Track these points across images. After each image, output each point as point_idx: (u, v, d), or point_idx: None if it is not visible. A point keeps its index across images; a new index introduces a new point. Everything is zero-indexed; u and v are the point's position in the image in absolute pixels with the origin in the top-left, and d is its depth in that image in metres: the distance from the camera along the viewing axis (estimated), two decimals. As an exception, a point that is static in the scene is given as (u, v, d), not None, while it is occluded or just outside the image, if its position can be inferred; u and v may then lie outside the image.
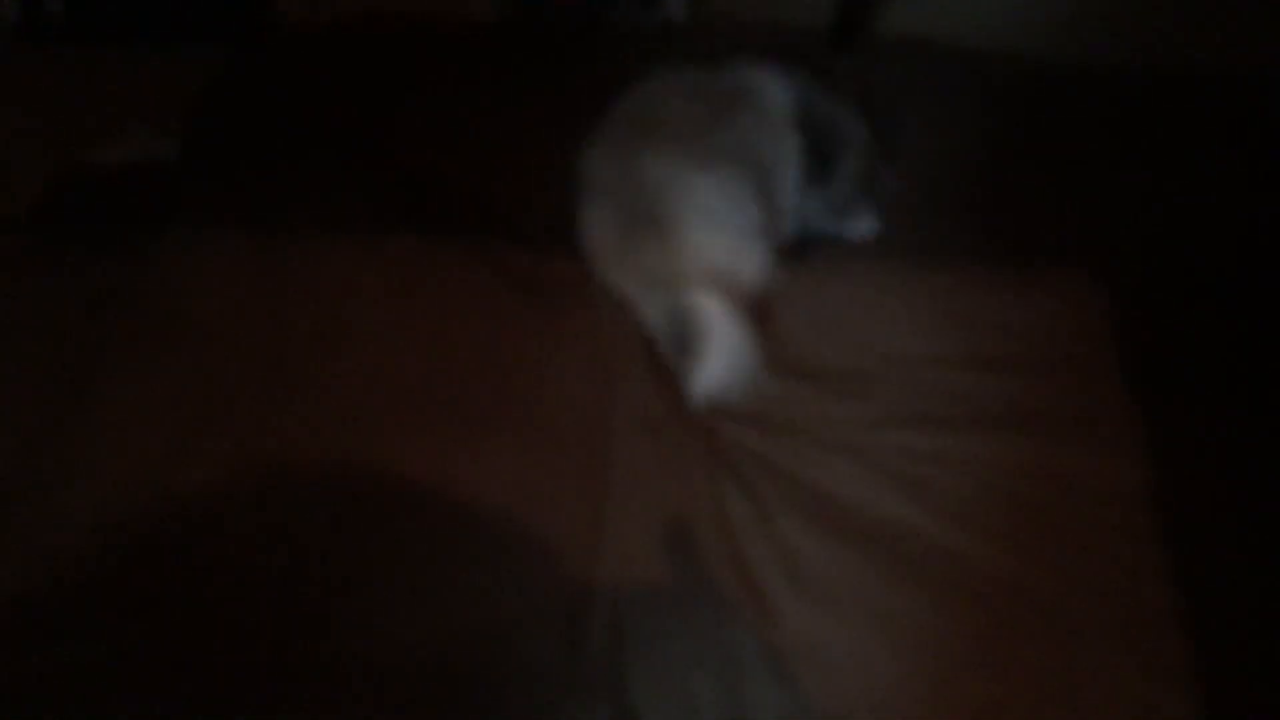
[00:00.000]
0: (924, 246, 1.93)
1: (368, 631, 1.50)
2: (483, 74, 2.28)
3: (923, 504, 1.59)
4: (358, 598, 1.53)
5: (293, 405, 1.73)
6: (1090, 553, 1.54)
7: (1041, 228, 1.98)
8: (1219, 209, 2.00)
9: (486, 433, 1.69)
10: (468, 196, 2.04)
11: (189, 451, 1.67)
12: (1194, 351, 1.77)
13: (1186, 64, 2.26)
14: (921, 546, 1.55)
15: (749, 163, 1.76)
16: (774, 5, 2.38)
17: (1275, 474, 1.62)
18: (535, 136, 2.14)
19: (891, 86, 2.19)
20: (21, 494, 1.62)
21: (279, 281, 1.89)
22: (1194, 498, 1.59)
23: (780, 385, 1.74)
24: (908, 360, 1.77)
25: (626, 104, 1.87)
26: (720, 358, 1.69)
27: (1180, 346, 1.77)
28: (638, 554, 1.56)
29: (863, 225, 1.95)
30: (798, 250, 1.89)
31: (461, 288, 1.88)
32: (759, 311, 1.80)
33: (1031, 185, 2.05)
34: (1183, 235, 1.95)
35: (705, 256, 1.71)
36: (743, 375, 1.72)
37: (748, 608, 1.50)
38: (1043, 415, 1.70)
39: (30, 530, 1.59)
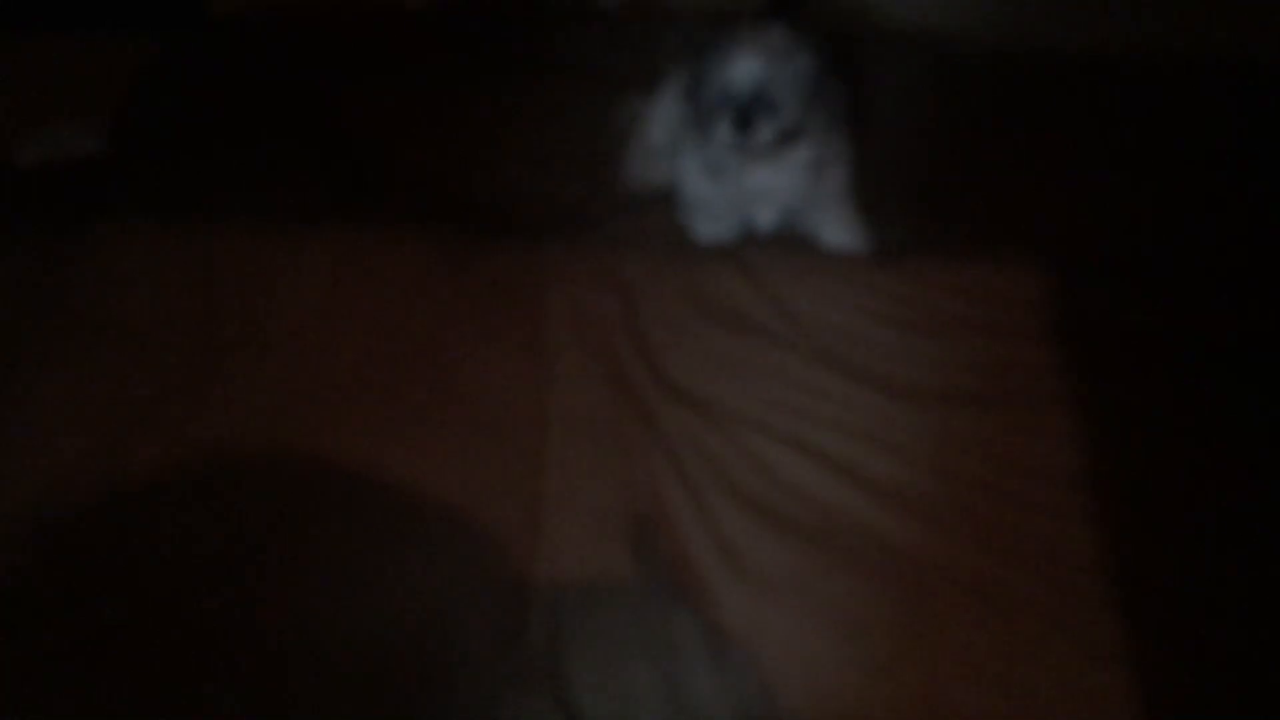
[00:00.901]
0: (867, 225, 1.92)
1: (304, 623, 1.49)
2: (417, 62, 2.26)
3: (860, 488, 1.59)
4: (293, 589, 1.52)
5: (224, 400, 1.71)
6: (1025, 534, 1.54)
7: (988, 211, 1.98)
8: (1176, 195, 2.01)
9: (423, 425, 1.68)
10: (404, 186, 2.03)
11: (119, 448, 1.65)
12: (1136, 335, 1.78)
13: (1145, 51, 2.27)
14: (859, 531, 1.55)
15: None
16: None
17: (1211, 458, 1.63)
18: (472, 123, 2.13)
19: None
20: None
21: (209, 275, 1.86)
22: (1130, 479, 1.60)
23: (717, 370, 1.74)
24: (845, 339, 1.78)
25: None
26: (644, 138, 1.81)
27: (1124, 334, 1.78)
28: (576, 546, 1.56)
29: (844, 236, 1.91)
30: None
31: (398, 278, 1.87)
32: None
33: (984, 168, 2.05)
34: (1132, 220, 1.96)
35: None
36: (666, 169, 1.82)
37: (687, 597, 1.50)
38: (979, 394, 1.70)
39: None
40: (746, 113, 1.66)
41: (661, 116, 1.92)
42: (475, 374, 1.74)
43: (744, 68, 1.66)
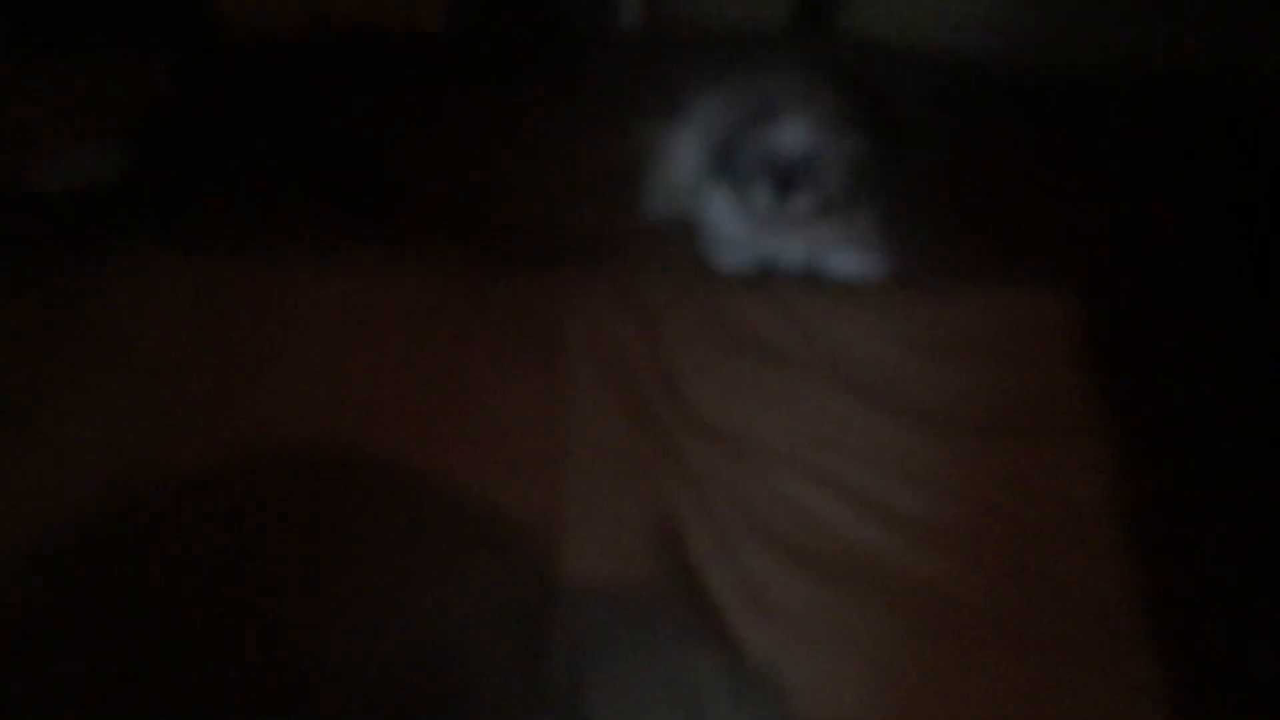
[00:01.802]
0: (882, 251, 1.90)
1: (325, 648, 1.48)
2: (433, 84, 2.25)
3: (885, 521, 1.57)
4: (313, 614, 1.51)
5: (238, 428, 1.69)
6: (1054, 567, 1.52)
7: (1011, 234, 1.95)
8: (1204, 216, 1.98)
9: (441, 452, 1.66)
10: (422, 211, 2.01)
11: (134, 476, 1.64)
12: (1165, 359, 1.75)
13: (1157, 67, 2.25)
14: (884, 566, 1.53)
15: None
16: (728, 7, 2.36)
17: (1245, 486, 1.60)
18: (491, 147, 2.12)
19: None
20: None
21: (223, 302, 1.85)
22: (1160, 509, 1.57)
23: (739, 400, 1.72)
24: (869, 366, 1.76)
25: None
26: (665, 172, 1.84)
27: (1150, 358, 1.76)
28: (596, 579, 1.54)
29: (854, 264, 1.89)
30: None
31: (415, 304, 1.85)
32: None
33: (1006, 191, 2.03)
34: (1157, 245, 1.93)
35: None
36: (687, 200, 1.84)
37: (709, 632, 1.48)
38: (1006, 423, 1.68)
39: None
40: (788, 179, 1.64)
41: (684, 152, 1.91)
42: (493, 402, 1.72)
43: (792, 135, 1.65)
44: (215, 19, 2.40)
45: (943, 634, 1.47)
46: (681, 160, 1.92)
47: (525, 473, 1.64)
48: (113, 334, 1.81)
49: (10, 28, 2.38)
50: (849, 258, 1.88)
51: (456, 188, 2.05)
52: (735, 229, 1.83)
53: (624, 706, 1.43)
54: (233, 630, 1.49)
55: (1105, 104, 2.17)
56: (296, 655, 1.47)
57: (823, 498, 1.60)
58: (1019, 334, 1.80)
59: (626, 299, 1.84)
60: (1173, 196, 2.00)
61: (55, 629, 1.50)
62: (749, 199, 1.69)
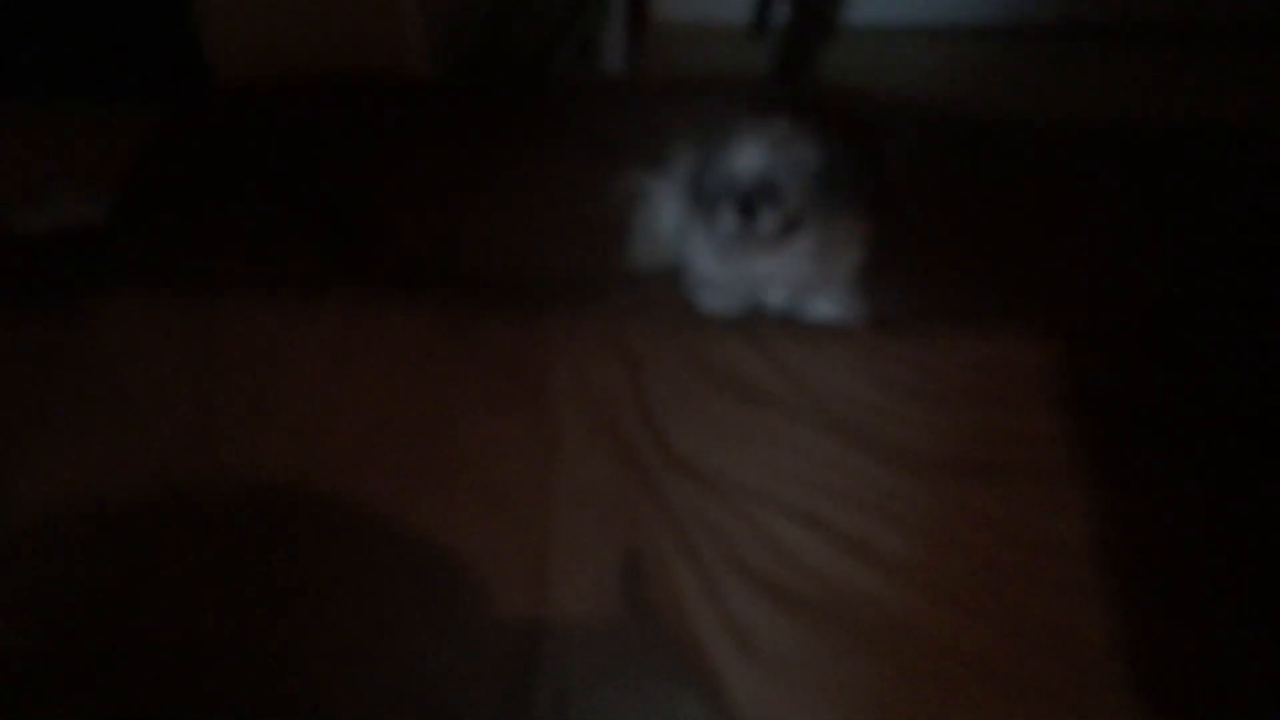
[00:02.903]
0: (873, 294, 1.92)
1: (314, 687, 1.47)
2: (419, 130, 2.27)
3: (870, 563, 1.57)
4: (300, 657, 1.50)
5: (224, 471, 1.69)
6: (1039, 612, 1.52)
7: (993, 279, 1.98)
8: (1185, 263, 2.00)
9: (427, 495, 1.66)
10: (408, 255, 2.03)
11: (118, 520, 1.63)
12: (1146, 405, 1.76)
13: (1152, 117, 2.29)
14: (869, 608, 1.52)
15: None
16: (709, 56, 2.40)
17: (1229, 532, 1.61)
18: (478, 192, 2.13)
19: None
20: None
21: (210, 344, 1.85)
22: (1145, 555, 1.58)
23: (722, 441, 1.72)
24: (855, 408, 1.76)
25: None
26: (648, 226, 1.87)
27: (1130, 403, 1.77)
28: (581, 620, 1.53)
29: (832, 307, 1.91)
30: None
31: (401, 348, 1.85)
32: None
33: (989, 236, 2.05)
34: (1141, 288, 1.96)
35: None
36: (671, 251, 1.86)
37: (694, 675, 1.47)
38: (990, 466, 1.69)
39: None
40: (750, 201, 1.67)
41: (666, 203, 1.93)
42: (479, 445, 1.72)
43: (748, 157, 1.67)
44: (203, 65, 2.42)
45: (927, 678, 1.47)
46: (664, 211, 1.94)
47: (510, 514, 1.64)
48: (97, 376, 1.81)
49: (1, 73, 2.40)
50: (830, 301, 1.89)
51: (442, 232, 2.06)
52: (717, 270, 1.84)
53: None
54: (216, 672, 1.48)
55: (1088, 150, 2.21)
56: (280, 698, 1.46)
57: (806, 538, 1.60)
58: (1000, 378, 1.81)
59: (611, 343, 1.85)
60: (1154, 242, 2.02)
61: (40, 674, 1.49)
62: (718, 226, 1.71)
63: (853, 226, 1.82)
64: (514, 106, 2.32)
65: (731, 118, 1.72)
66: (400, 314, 1.89)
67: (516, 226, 2.06)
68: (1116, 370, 1.82)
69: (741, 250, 1.77)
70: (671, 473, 1.68)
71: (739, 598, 1.54)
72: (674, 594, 1.55)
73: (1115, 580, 1.54)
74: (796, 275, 1.82)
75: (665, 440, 1.72)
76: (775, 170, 1.67)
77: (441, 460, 1.71)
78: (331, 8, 2.43)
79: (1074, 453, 1.70)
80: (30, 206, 2.06)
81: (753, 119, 1.72)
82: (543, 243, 2.04)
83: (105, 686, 1.47)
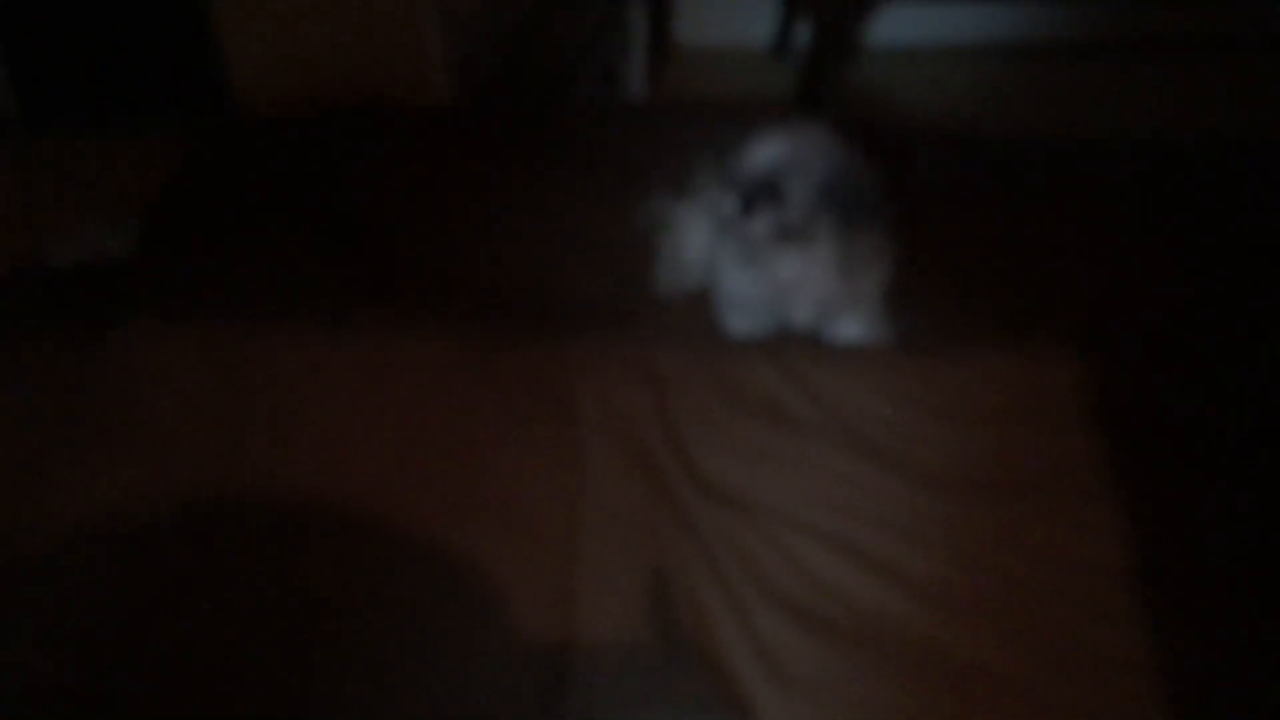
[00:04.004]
0: (897, 315, 1.92)
1: (333, 711, 1.46)
2: (442, 156, 2.28)
3: (901, 586, 1.55)
4: (325, 685, 1.49)
5: (249, 499, 1.69)
6: (1072, 633, 1.49)
7: (1019, 297, 1.97)
8: (1212, 279, 1.99)
9: (451, 522, 1.65)
10: (431, 282, 2.03)
11: (143, 549, 1.63)
12: (1174, 423, 1.75)
13: (1176, 132, 2.28)
14: (901, 632, 1.51)
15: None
16: (730, 79, 2.41)
17: (1262, 552, 1.58)
18: (499, 218, 2.14)
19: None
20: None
21: (234, 374, 1.85)
22: (1178, 574, 1.55)
23: (750, 465, 1.72)
24: (882, 429, 1.75)
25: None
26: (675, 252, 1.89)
27: (1157, 421, 1.75)
28: (610, 648, 1.52)
29: (855, 328, 1.90)
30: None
31: (426, 375, 1.85)
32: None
33: (1013, 254, 2.05)
34: (1168, 305, 1.95)
35: None
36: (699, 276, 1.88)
37: (725, 699, 1.45)
38: (1019, 486, 1.67)
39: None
40: (750, 196, 1.67)
41: (693, 229, 1.93)
42: (505, 470, 1.72)
43: (758, 154, 1.68)
44: (226, 94, 2.44)
45: (960, 702, 1.44)
46: (689, 235, 1.94)
47: (536, 538, 1.63)
48: (123, 404, 1.82)
49: (25, 104, 2.42)
50: (855, 323, 1.89)
51: (466, 258, 2.07)
52: (744, 283, 1.84)
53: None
54: (247, 694, 1.48)
55: (1110, 168, 2.20)
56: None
57: (836, 562, 1.58)
58: (1026, 397, 1.79)
59: (637, 367, 1.85)
60: (1179, 258, 2.01)
61: (71, 701, 1.48)
62: (723, 212, 1.73)
63: (876, 245, 1.82)
64: (536, 132, 2.33)
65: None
66: (425, 340, 1.90)
67: (541, 252, 2.07)
68: (1144, 387, 1.80)
69: (764, 252, 1.77)
70: (699, 496, 1.67)
71: (768, 622, 1.52)
72: (703, 618, 1.53)
73: (1151, 601, 1.52)
74: (822, 287, 1.81)
75: (692, 464, 1.72)
76: (781, 173, 1.68)
77: (468, 484, 1.70)
78: (354, 37, 2.45)
79: (1104, 471, 1.68)
80: (58, 237, 2.07)
81: (776, 125, 1.72)
82: (567, 268, 2.05)
83: (135, 711, 1.47)
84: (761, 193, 1.67)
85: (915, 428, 1.76)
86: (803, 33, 2.84)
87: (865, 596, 1.55)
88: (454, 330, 1.91)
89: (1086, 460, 1.70)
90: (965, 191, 2.18)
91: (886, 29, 2.94)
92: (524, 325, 1.91)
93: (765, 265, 1.79)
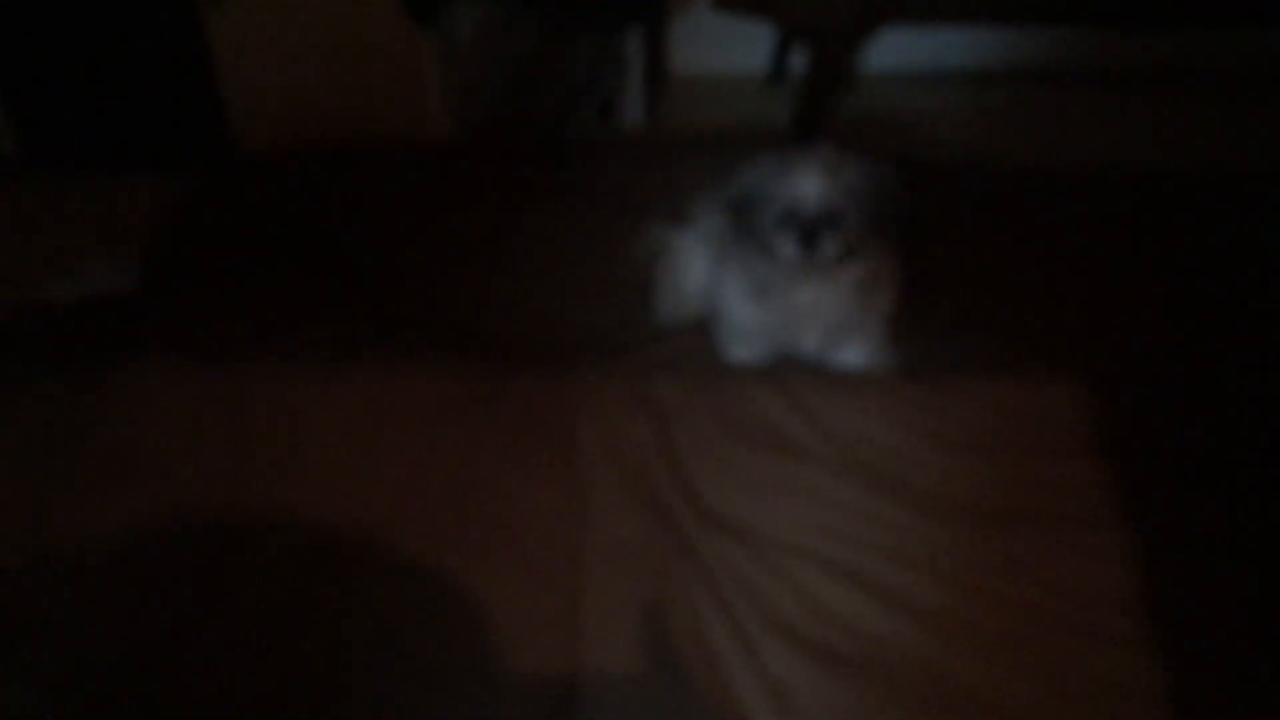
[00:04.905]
0: (899, 343, 1.93)
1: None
2: (441, 191, 2.29)
3: (909, 617, 1.55)
4: (330, 712, 1.49)
5: (254, 537, 1.69)
6: (1081, 664, 1.49)
7: (1020, 330, 1.98)
8: (1216, 309, 2.00)
9: (456, 556, 1.65)
10: (432, 316, 2.04)
11: (149, 587, 1.62)
12: (1179, 451, 1.75)
13: (1181, 163, 2.29)
14: (909, 663, 1.50)
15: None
16: (728, 107, 2.41)
17: (1259, 577, 1.59)
18: (498, 251, 2.14)
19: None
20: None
21: (237, 411, 1.85)
22: (1187, 604, 1.55)
23: (753, 494, 1.72)
24: (886, 458, 1.75)
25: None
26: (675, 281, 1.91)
27: (1160, 449, 1.75)
28: (616, 683, 1.51)
29: (859, 355, 1.91)
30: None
31: (428, 410, 1.85)
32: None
33: (1017, 284, 2.06)
34: (1171, 334, 1.95)
35: None
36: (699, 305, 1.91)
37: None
38: (1026, 515, 1.67)
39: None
40: (813, 229, 1.68)
41: (692, 259, 1.93)
42: (509, 505, 1.72)
43: (810, 185, 1.69)
44: (228, 135, 2.45)
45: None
46: (689, 265, 1.95)
47: (541, 571, 1.63)
48: (127, 442, 1.81)
49: (24, 143, 2.43)
50: (859, 350, 1.89)
51: (467, 293, 2.08)
52: (751, 314, 1.85)
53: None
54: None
55: (1109, 198, 2.21)
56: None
57: (841, 592, 1.58)
58: (1031, 425, 1.80)
59: (639, 397, 1.85)
60: (1180, 290, 2.02)
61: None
62: (774, 252, 1.73)
63: (888, 266, 1.83)
64: (535, 167, 2.34)
65: (763, 156, 1.73)
66: (428, 375, 1.90)
67: (541, 285, 2.07)
68: (1146, 415, 1.80)
69: (786, 282, 1.78)
70: (703, 527, 1.67)
71: (774, 653, 1.52)
72: (708, 650, 1.53)
73: (1159, 630, 1.52)
74: (836, 311, 1.83)
75: (695, 494, 1.72)
76: (834, 197, 1.69)
77: (472, 519, 1.70)
78: (355, 77, 2.46)
79: (1107, 499, 1.68)
80: (61, 276, 2.08)
81: (802, 149, 1.73)
82: (568, 301, 2.05)
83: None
84: (823, 223, 1.69)
85: (919, 455, 1.76)
86: (798, 60, 2.86)
87: (873, 628, 1.54)
88: (456, 365, 1.92)
89: (1090, 488, 1.70)
90: (967, 220, 2.19)
91: (882, 56, 2.95)
92: (526, 360, 1.92)
93: (781, 294, 1.79)
